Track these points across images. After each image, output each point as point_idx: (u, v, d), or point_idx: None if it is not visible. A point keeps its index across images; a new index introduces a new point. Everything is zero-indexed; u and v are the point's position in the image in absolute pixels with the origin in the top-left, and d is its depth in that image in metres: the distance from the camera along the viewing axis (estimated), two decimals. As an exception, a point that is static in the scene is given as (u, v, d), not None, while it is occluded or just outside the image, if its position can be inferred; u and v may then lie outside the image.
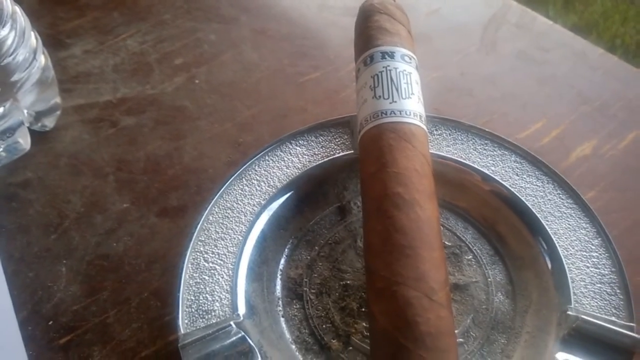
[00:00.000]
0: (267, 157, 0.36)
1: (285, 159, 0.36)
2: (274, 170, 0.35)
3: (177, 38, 0.49)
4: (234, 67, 0.46)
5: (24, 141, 0.40)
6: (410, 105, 0.31)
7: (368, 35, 0.34)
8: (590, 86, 0.45)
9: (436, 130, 0.37)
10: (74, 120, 0.42)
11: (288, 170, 0.36)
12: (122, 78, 0.45)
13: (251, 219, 0.33)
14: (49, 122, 0.42)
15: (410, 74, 0.33)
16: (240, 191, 0.34)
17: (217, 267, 0.31)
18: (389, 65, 0.33)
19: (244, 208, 0.34)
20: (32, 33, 0.39)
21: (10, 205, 0.38)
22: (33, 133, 0.41)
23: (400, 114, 0.31)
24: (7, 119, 0.38)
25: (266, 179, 0.35)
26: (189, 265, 0.31)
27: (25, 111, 0.39)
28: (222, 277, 0.31)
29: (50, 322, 0.32)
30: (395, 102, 0.31)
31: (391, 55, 0.33)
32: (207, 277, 0.30)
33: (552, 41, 0.49)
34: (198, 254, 0.31)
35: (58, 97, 0.42)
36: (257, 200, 0.34)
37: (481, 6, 0.52)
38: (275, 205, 0.35)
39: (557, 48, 0.48)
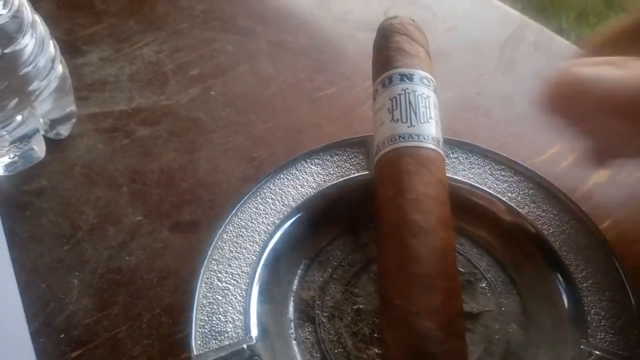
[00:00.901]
0: (282, 175, 0.36)
1: (300, 177, 0.36)
2: (289, 189, 0.35)
3: (194, 48, 0.49)
4: (249, 79, 0.46)
5: (39, 149, 0.40)
6: (428, 129, 0.31)
7: (387, 56, 0.34)
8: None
9: (452, 153, 0.37)
10: (88, 129, 0.42)
11: (303, 190, 0.35)
12: (137, 87, 0.45)
13: (265, 238, 0.33)
14: (64, 130, 0.42)
15: (428, 97, 0.33)
16: (254, 209, 0.34)
17: (230, 287, 0.31)
18: (407, 88, 0.32)
19: (258, 227, 0.34)
20: (51, 42, 0.39)
21: (24, 213, 0.38)
22: (48, 141, 0.41)
23: (419, 138, 0.31)
24: (24, 126, 0.38)
25: (281, 197, 0.35)
26: (203, 285, 0.31)
27: (41, 119, 0.39)
28: (235, 298, 0.31)
29: (62, 335, 0.32)
30: (414, 126, 0.31)
31: (410, 78, 0.33)
32: (220, 297, 0.30)
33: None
34: (212, 273, 0.31)
35: (74, 105, 0.42)
36: (271, 219, 0.34)
37: (498, 24, 0.52)
38: (289, 224, 0.34)
39: (575, 70, 0.48)
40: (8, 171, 0.39)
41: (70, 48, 0.48)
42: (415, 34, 0.35)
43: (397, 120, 0.32)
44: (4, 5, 0.35)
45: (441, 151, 0.31)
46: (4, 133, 0.37)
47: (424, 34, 0.36)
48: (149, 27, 0.51)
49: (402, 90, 0.32)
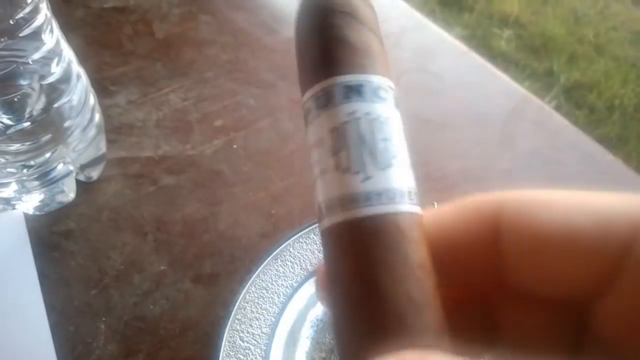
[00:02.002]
0: (301, 239, 0.39)
1: (318, 242, 0.39)
2: (307, 253, 0.38)
3: (218, 98, 0.51)
4: (270, 134, 0.49)
5: (70, 190, 0.43)
6: (395, 178, 0.18)
7: (321, 52, 0.20)
8: (598, 191, 0.48)
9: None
10: (116, 173, 0.45)
11: (320, 255, 0.38)
12: (163, 134, 0.48)
13: (284, 300, 0.36)
14: (95, 173, 0.44)
15: (388, 119, 0.19)
16: (275, 272, 0.37)
17: (251, 347, 0.34)
18: (356, 112, 0.19)
19: (278, 289, 0.36)
20: (91, 93, 0.42)
21: (53, 254, 0.40)
22: (77, 183, 0.43)
23: (380, 198, 0.18)
24: (57, 171, 0.40)
25: (299, 261, 0.38)
26: (227, 344, 0.33)
27: (71, 165, 0.42)
28: (256, 358, 0.33)
29: (89, 379, 0.34)
30: (371, 177, 0.18)
31: (359, 92, 0.20)
32: (242, 357, 0.33)
33: (565, 141, 0.52)
34: (235, 332, 0.34)
35: (105, 148, 0.45)
36: (289, 282, 0.37)
37: (502, 98, 0.56)
38: (306, 287, 0.37)
39: (570, 149, 0.52)
40: (38, 211, 0.42)
41: (98, 87, 0.51)
42: (362, 10, 0.22)
43: (346, 169, 0.18)
44: (57, 63, 0.37)
45: (416, 207, 0.18)
46: (39, 181, 0.39)
47: (373, 7, 0.23)
48: (175, 72, 0.54)
49: (348, 116, 0.19)
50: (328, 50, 0.20)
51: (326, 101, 0.19)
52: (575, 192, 0.15)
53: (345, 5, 0.21)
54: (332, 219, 0.18)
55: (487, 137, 0.52)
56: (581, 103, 1.83)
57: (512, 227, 0.15)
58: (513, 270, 0.16)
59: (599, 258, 0.14)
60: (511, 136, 0.52)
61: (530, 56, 1.98)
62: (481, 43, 1.97)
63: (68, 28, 0.42)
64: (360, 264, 0.16)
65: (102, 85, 0.51)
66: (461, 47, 0.60)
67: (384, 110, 0.19)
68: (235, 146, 0.48)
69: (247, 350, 0.33)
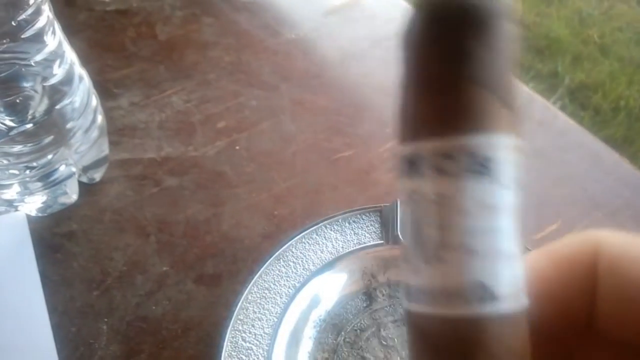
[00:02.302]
0: (303, 240, 0.39)
1: (320, 242, 0.39)
2: (309, 254, 0.38)
3: (221, 100, 0.51)
4: (272, 136, 0.49)
5: (72, 192, 0.43)
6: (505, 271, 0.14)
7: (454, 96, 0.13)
8: (603, 191, 0.48)
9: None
10: (119, 175, 0.45)
11: (322, 255, 0.38)
12: (166, 136, 0.48)
13: (286, 300, 0.36)
14: (97, 175, 0.44)
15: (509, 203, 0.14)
16: (277, 272, 0.37)
17: (253, 347, 0.34)
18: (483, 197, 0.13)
19: (280, 290, 0.36)
20: (93, 95, 0.42)
21: (55, 256, 0.40)
22: (79, 184, 0.43)
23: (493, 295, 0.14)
24: (60, 173, 0.40)
25: (302, 261, 0.38)
26: (228, 344, 0.33)
27: (73, 167, 0.42)
28: (258, 358, 0.33)
29: (91, 381, 0.34)
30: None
31: (487, 166, 0.13)
32: (244, 357, 0.33)
33: (570, 141, 0.52)
34: (237, 332, 0.34)
35: (107, 150, 0.45)
36: (292, 282, 0.37)
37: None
38: (308, 287, 0.37)
39: (575, 149, 0.51)
40: (41, 212, 0.42)
41: (101, 89, 0.51)
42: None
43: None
44: (60, 64, 0.37)
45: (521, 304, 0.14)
46: (41, 183, 0.39)
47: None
48: (178, 75, 0.54)
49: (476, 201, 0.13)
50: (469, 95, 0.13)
51: (451, 168, 0.13)
52: None
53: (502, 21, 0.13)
54: (437, 310, 0.14)
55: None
56: (586, 104, 1.82)
57: (610, 272, 0.15)
58: (605, 315, 0.16)
59: None
60: (515, 136, 0.52)
61: (534, 57, 1.97)
62: (485, 45, 1.96)
63: (71, 31, 0.42)
64: None
65: (105, 88, 0.51)
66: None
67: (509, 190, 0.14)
68: (237, 147, 0.48)
69: (249, 351, 0.33)
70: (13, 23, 0.33)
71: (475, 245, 0.13)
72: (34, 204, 0.41)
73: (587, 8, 2.18)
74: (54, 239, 0.41)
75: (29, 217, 0.41)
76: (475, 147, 0.13)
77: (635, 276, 0.15)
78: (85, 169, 0.43)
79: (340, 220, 0.40)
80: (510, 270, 0.14)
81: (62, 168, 0.40)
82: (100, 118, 0.42)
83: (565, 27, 2.08)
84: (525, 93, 0.56)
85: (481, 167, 0.13)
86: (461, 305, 0.13)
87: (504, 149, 0.13)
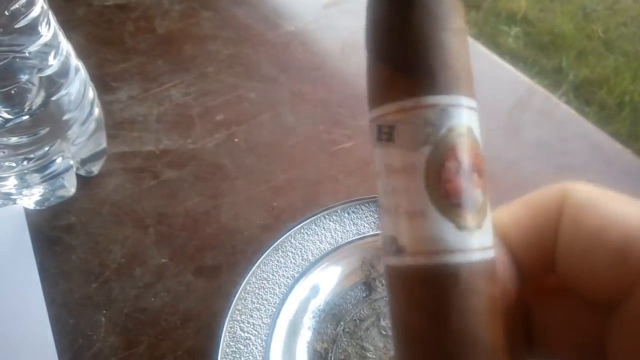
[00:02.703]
0: (302, 231, 0.38)
1: (319, 233, 0.38)
2: (308, 244, 0.38)
3: (219, 93, 0.51)
4: (271, 128, 0.49)
5: (70, 185, 0.42)
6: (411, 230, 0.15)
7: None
8: (605, 182, 0.47)
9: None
10: (117, 168, 0.45)
11: (321, 245, 0.38)
12: (164, 129, 0.48)
13: (285, 291, 0.36)
14: (95, 168, 0.44)
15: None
16: (276, 262, 0.37)
17: (251, 337, 0.33)
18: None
19: (279, 280, 0.36)
20: (90, 86, 0.42)
21: (54, 249, 0.40)
22: (78, 177, 0.43)
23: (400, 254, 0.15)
24: (57, 165, 0.40)
25: (300, 252, 0.37)
26: (227, 334, 0.33)
27: (71, 160, 0.42)
28: (256, 348, 0.33)
29: (89, 372, 0.34)
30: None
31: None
32: (242, 347, 0.33)
33: (572, 131, 0.52)
34: (235, 322, 0.34)
35: (105, 143, 0.45)
36: (290, 272, 0.37)
37: (508, 88, 0.55)
38: (307, 278, 0.37)
39: (576, 139, 0.51)
40: (39, 205, 0.42)
41: (100, 83, 0.51)
42: None
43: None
44: (55, 55, 0.37)
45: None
46: (39, 175, 0.39)
47: None
48: (177, 68, 0.53)
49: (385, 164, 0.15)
50: (424, 55, 0.15)
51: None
52: (626, 202, 0.16)
53: None
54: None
55: (492, 127, 0.51)
56: (591, 100, 1.81)
57: (571, 220, 0.16)
58: (563, 262, 0.16)
59: (621, 274, 0.15)
60: (517, 126, 0.51)
61: (538, 53, 1.96)
62: (489, 41, 1.96)
63: (70, 26, 0.42)
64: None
65: (103, 82, 0.51)
66: (465, 38, 0.60)
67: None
68: (236, 140, 0.48)
69: (247, 341, 0.33)
70: (6, 13, 0.33)
71: (387, 204, 0.15)
72: (32, 197, 0.41)
73: (591, 3, 2.17)
74: (52, 231, 0.41)
75: (27, 210, 0.41)
76: (379, 118, 0.15)
77: (593, 225, 0.15)
78: (83, 162, 0.43)
79: (339, 211, 0.40)
80: (418, 226, 0.15)
81: (60, 160, 0.40)
82: (97, 110, 0.42)
83: (570, 22, 2.07)
84: (526, 84, 0.56)
85: (385, 134, 0.15)
86: (386, 256, 0.16)
87: (403, 114, 0.15)
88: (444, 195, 0.14)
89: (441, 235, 0.14)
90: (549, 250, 0.16)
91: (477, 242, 0.14)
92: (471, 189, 0.14)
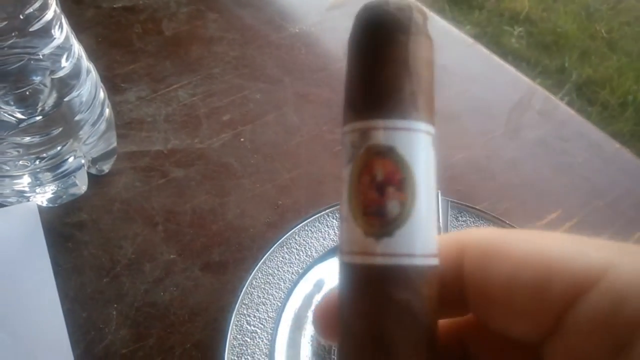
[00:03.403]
0: (306, 228, 0.39)
1: (323, 230, 0.40)
2: (312, 241, 0.39)
3: (225, 94, 0.52)
4: (276, 128, 0.50)
5: (82, 184, 0.44)
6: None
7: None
8: (604, 180, 0.48)
9: (461, 216, 0.41)
10: (127, 167, 0.46)
11: (325, 242, 0.39)
12: (172, 129, 0.49)
13: (289, 286, 0.37)
14: (106, 167, 0.45)
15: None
16: (281, 259, 0.38)
17: (258, 330, 0.34)
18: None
19: (284, 275, 0.37)
20: (101, 88, 0.43)
21: (67, 245, 0.41)
22: (89, 176, 0.44)
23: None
24: (69, 164, 0.41)
25: (305, 249, 0.39)
26: (234, 327, 0.34)
27: (82, 159, 0.43)
28: (262, 341, 0.34)
29: (101, 363, 0.35)
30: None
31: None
32: (249, 340, 0.34)
33: (571, 131, 0.53)
34: (242, 316, 0.35)
35: (115, 143, 0.46)
36: (295, 268, 0.38)
37: (509, 89, 0.56)
38: (311, 273, 0.38)
39: (576, 138, 0.52)
40: (52, 203, 0.43)
41: (109, 84, 0.52)
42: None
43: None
44: (67, 58, 0.38)
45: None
46: (51, 174, 0.40)
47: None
48: (184, 69, 0.55)
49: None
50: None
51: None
52: (531, 237, 0.16)
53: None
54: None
55: (492, 127, 0.52)
56: (594, 100, 1.82)
57: (471, 273, 0.17)
58: (477, 311, 0.17)
59: (541, 312, 0.15)
60: (516, 126, 0.53)
61: (541, 53, 1.97)
62: (492, 41, 1.97)
63: (79, 28, 0.43)
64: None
65: (113, 83, 0.53)
66: (467, 39, 0.61)
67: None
68: (242, 139, 0.49)
69: (253, 334, 0.34)
70: (21, 16, 0.34)
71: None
72: (45, 194, 0.42)
73: (595, 3, 2.17)
74: (64, 228, 0.42)
75: (40, 207, 0.42)
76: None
77: (488, 278, 0.16)
78: (94, 161, 0.44)
79: (342, 208, 0.41)
80: (342, 229, 0.17)
81: (71, 159, 0.41)
82: (107, 111, 0.44)
83: (573, 22, 2.08)
84: (526, 84, 0.57)
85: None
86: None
87: (343, 136, 0.18)
88: (358, 205, 0.16)
89: (354, 239, 0.16)
90: (459, 293, 0.17)
91: (385, 248, 0.16)
92: (383, 201, 0.16)
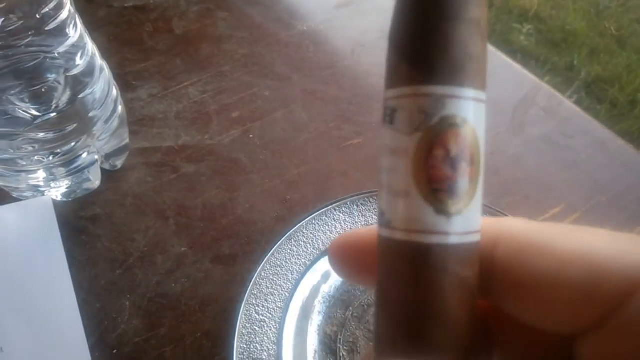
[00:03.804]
0: (314, 221, 0.40)
1: (330, 224, 0.41)
2: (319, 234, 0.40)
3: (235, 91, 0.53)
4: (284, 125, 0.51)
5: (95, 179, 0.45)
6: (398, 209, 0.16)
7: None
8: (607, 176, 0.49)
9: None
10: (139, 162, 0.47)
11: (332, 235, 0.40)
12: (183, 125, 0.50)
13: (297, 277, 0.38)
14: (119, 162, 0.46)
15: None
16: (289, 251, 0.39)
17: (266, 320, 0.36)
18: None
19: (292, 267, 0.38)
20: (114, 85, 0.44)
21: (81, 238, 0.42)
22: (102, 171, 0.45)
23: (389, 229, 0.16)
24: (83, 160, 0.43)
25: (312, 241, 0.40)
26: (243, 316, 0.35)
27: (96, 154, 0.44)
28: (270, 330, 0.35)
29: (115, 351, 0.37)
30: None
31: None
32: (257, 329, 0.35)
33: (576, 127, 0.53)
34: (251, 306, 0.36)
35: (128, 139, 0.47)
36: (302, 260, 0.39)
37: (514, 85, 0.57)
38: (318, 265, 0.39)
39: (580, 135, 0.53)
40: (66, 197, 0.44)
41: (121, 82, 0.53)
42: None
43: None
44: (81, 56, 0.40)
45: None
46: (65, 169, 0.42)
47: None
48: (194, 67, 0.56)
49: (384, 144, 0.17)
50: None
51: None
52: (574, 233, 0.16)
53: None
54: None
55: (497, 123, 0.53)
56: (603, 98, 1.81)
57: (505, 265, 0.16)
58: (504, 301, 0.17)
59: (587, 309, 0.15)
60: (521, 122, 0.53)
61: (550, 51, 1.97)
62: (501, 38, 1.97)
63: (92, 27, 0.44)
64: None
65: (125, 80, 0.54)
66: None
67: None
68: (251, 136, 0.50)
69: (262, 323, 0.35)
70: (37, 16, 0.35)
71: (382, 180, 0.16)
72: (59, 189, 0.43)
73: (604, 0, 2.17)
74: (79, 222, 0.43)
75: (54, 201, 0.43)
76: (386, 100, 0.16)
77: (526, 270, 0.15)
78: (108, 157, 0.45)
79: (348, 203, 0.42)
80: (401, 205, 0.16)
81: (85, 155, 0.42)
82: (120, 108, 0.45)
83: (582, 20, 2.07)
84: (532, 81, 0.58)
85: (388, 117, 0.16)
86: (378, 225, 0.17)
87: (402, 100, 0.15)
88: (427, 180, 0.15)
89: (419, 217, 0.15)
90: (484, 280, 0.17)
91: (455, 227, 0.15)
92: (455, 177, 0.15)
